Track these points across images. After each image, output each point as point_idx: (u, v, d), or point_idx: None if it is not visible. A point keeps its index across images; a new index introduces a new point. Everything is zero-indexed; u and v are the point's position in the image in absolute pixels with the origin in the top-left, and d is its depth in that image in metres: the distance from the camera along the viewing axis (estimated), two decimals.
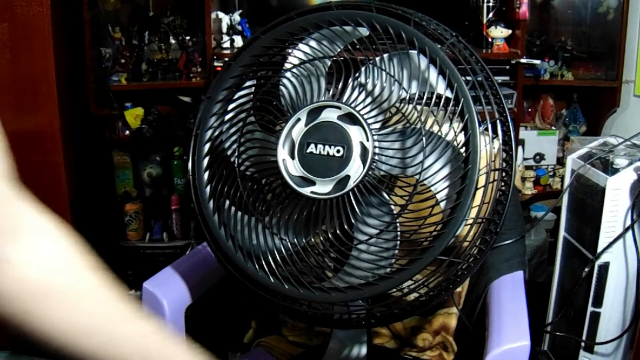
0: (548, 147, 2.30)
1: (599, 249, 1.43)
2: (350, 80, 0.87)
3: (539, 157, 2.31)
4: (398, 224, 0.84)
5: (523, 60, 2.04)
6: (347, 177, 0.83)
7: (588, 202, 1.50)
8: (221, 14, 2.07)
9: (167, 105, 2.26)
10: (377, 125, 0.85)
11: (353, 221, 0.85)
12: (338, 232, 0.85)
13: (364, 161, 0.83)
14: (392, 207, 0.85)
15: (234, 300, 1.45)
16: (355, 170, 0.83)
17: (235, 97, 0.93)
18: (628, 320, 1.45)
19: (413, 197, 0.82)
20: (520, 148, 2.26)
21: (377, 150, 0.83)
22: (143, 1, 2.19)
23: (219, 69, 2.00)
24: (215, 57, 2.00)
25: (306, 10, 0.91)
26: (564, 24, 2.25)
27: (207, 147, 0.93)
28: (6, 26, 1.73)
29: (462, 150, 0.82)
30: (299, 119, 0.87)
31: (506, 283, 1.16)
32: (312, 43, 0.90)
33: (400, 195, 0.84)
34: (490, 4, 2.11)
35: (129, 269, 2.06)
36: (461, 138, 0.82)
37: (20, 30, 1.74)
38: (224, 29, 2.07)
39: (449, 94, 0.82)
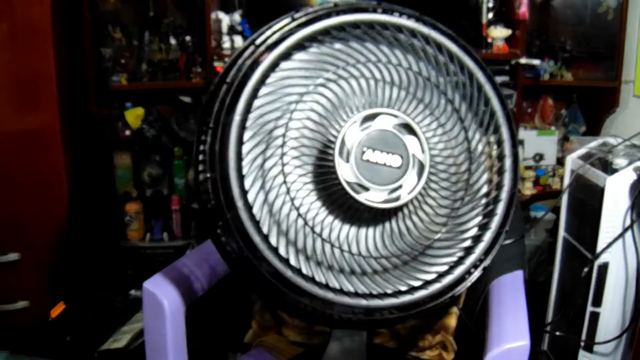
0: (548, 147, 2.30)
1: (599, 249, 1.43)
2: (406, 91, 0.88)
3: (539, 157, 2.31)
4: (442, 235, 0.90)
5: (523, 61, 2.04)
6: (400, 187, 0.85)
7: (588, 202, 1.50)
8: (221, 14, 2.07)
9: (167, 105, 2.26)
10: (433, 140, 0.88)
11: (404, 230, 0.88)
12: (386, 241, 0.88)
13: (419, 173, 0.85)
14: (440, 218, 0.90)
15: (234, 300, 1.45)
16: (410, 181, 0.85)
17: (277, 89, 0.84)
18: (627, 320, 1.45)
19: (459, 211, 0.89)
20: (519, 148, 2.26)
21: (432, 164, 0.86)
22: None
23: (219, 69, 2.00)
24: (215, 57, 2.00)
25: (350, 9, 0.87)
26: (564, 24, 2.25)
27: (234, 136, 0.80)
28: (6, 26, 1.73)
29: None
30: (354, 123, 0.84)
31: (506, 283, 1.16)
32: (370, 45, 0.87)
33: (447, 206, 0.90)
34: (490, 4, 2.11)
35: (129, 269, 2.06)
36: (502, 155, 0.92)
37: (20, 30, 1.74)
38: (224, 29, 2.07)
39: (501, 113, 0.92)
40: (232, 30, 2.07)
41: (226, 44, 2.06)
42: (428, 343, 1.30)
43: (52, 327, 1.70)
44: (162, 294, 1.09)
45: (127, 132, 2.20)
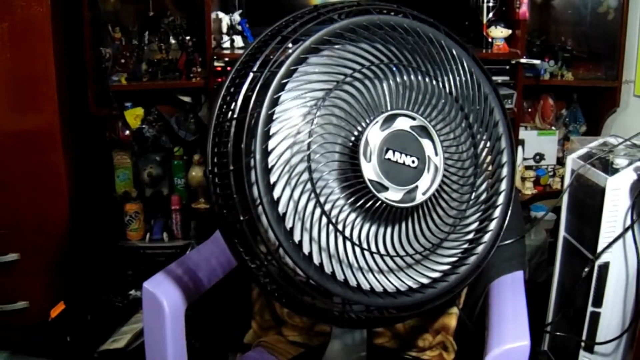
0: (548, 147, 2.30)
1: (599, 249, 1.43)
2: (423, 95, 0.90)
3: (539, 157, 2.31)
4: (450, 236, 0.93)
5: (523, 60, 2.04)
6: (416, 188, 0.87)
7: (588, 202, 1.50)
8: (221, 14, 2.07)
9: (167, 105, 2.25)
10: (445, 143, 0.91)
11: (418, 230, 0.90)
12: (403, 240, 0.89)
13: (434, 175, 0.88)
14: (449, 219, 0.94)
15: (234, 300, 1.45)
16: (425, 182, 0.88)
17: (305, 82, 0.81)
18: (628, 320, 1.45)
19: (465, 212, 0.94)
20: (520, 148, 2.26)
21: (445, 167, 0.90)
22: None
23: (219, 69, 2.00)
24: (215, 57, 2.00)
25: (373, 9, 0.89)
26: (564, 24, 2.25)
27: (261, 129, 0.78)
28: (6, 26, 1.73)
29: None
30: (376, 123, 0.85)
31: (506, 283, 1.17)
32: (393, 48, 0.88)
33: (455, 207, 0.93)
34: (490, 4, 2.11)
35: (129, 269, 2.06)
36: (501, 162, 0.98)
37: (20, 30, 1.74)
38: (224, 29, 2.07)
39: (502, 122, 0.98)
40: (232, 30, 2.07)
41: (226, 43, 2.06)
42: (428, 343, 1.30)
43: (52, 327, 1.70)
44: (161, 294, 1.09)
45: (127, 132, 2.20)
